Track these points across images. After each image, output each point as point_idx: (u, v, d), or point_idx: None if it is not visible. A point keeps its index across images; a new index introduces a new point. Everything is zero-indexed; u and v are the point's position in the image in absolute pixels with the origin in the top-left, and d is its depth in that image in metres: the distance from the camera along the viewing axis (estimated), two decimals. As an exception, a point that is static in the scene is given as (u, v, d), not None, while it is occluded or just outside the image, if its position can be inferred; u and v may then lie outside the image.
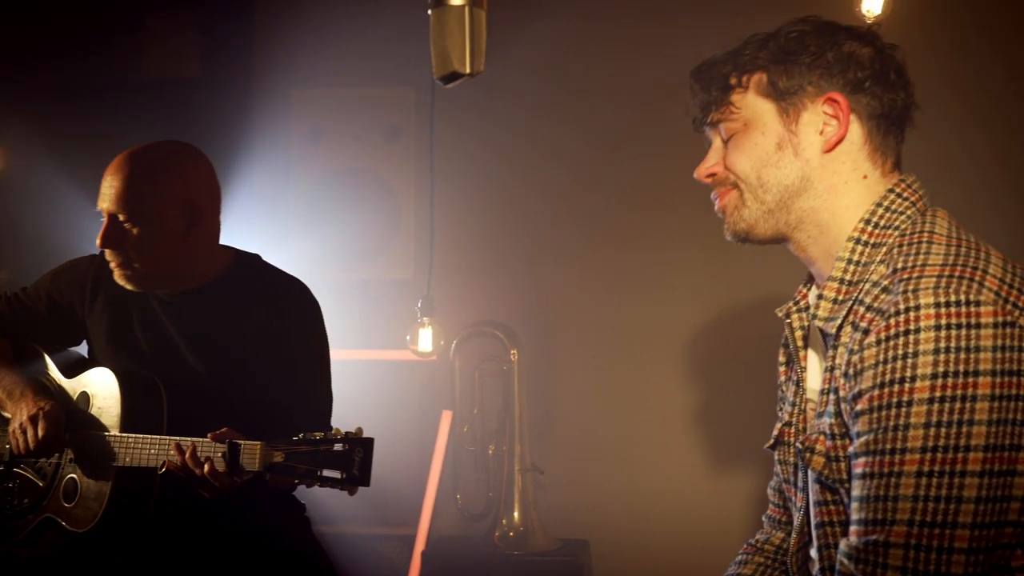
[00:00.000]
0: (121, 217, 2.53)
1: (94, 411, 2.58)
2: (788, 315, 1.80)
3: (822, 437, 1.61)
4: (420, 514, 4.01)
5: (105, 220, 2.55)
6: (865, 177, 1.68)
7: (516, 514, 3.91)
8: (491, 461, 4.01)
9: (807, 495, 1.73)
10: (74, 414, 2.60)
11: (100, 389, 2.59)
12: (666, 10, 3.97)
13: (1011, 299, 1.47)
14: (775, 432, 1.84)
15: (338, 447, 2.24)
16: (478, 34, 1.48)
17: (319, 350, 2.71)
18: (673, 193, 3.99)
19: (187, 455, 2.33)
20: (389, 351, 4.08)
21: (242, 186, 4.10)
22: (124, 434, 2.50)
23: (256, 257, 2.77)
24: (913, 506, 1.43)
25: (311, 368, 2.68)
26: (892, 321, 1.47)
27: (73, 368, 2.69)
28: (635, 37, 4.02)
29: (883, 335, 1.47)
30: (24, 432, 2.50)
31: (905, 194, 1.66)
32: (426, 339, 3.63)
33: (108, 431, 2.54)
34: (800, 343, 1.78)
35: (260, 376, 2.60)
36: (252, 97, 4.38)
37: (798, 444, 1.69)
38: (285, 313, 2.66)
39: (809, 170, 1.67)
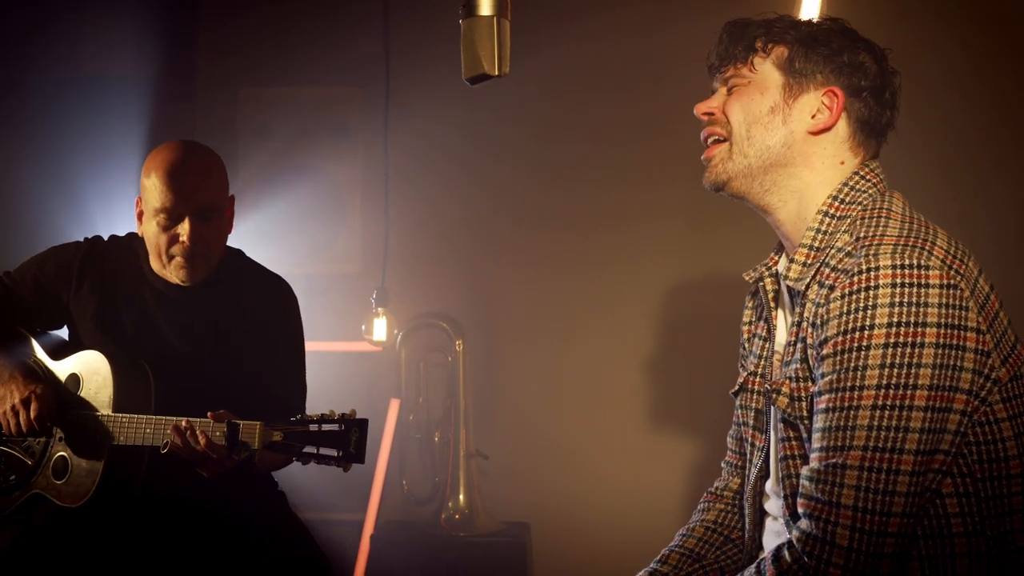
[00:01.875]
0: (206, 213, 2.67)
1: (85, 392, 2.69)
2: (761, 278, 2.04)
3: (788, 381, 1.85)
4: (368, 499, 4.15)
5: (189, 217, 2.65)
6: (843, 163, 1.92)
7: (461, 498, 4.07)
8: (437, 448, 4.17)
9: (768, 435, 1.98)
10: (64, 395, 2.70)
11: (91, 371, 2.69)
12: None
13: (954, 267, 1.73)
14: (740, 380, 2.08)
15: (333, 427, 2.40)
16: (504, 41, 1.67)
17: (298, 342, 2.88)
18: (617, 186, 4.19)
19: (188, 435, 2.45)
20: (338, 342, 4.20)
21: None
22: (119, 414, 2.61)
23: (240, 252, 2.92)
24: (868, 434, 1.68)
25: (291, 359, 2.84)
26: (855, 279, 1.72)
27: (59, 351, 2.78)
28: (576, 33, 4.19)
29: (847, 290, 1.72)
30: (16, 414, 2.60)
31: (868, 176, 1.91)
32: (381, 329, 3.79)
33: (100, 411, 2.65)
34: (772, 303, 2.02)
35: (244, 364, 2.75)
36: (199, 95, 4.46)
37: (767, 386, 1.94)
38: (268, 307, 2.82)
39: (792, 140, 1.90)
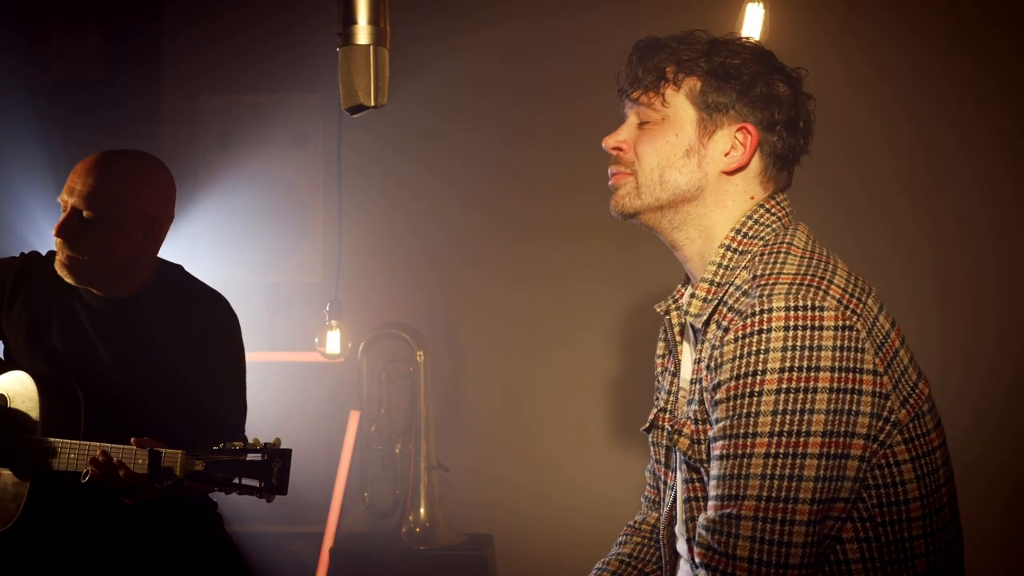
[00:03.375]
0: (86, 213, 2.59)
1: (12, 413, 2.64)
2: (667, 311, 1.97)
3: (688, 421, 1.79)
4: (328, 512, 4.11)
5: (67, 211, 2.61)
6: (752, 198, 1.85)
7: (422, 510, 4.04)
8: (398, 460, 4.12)
9: (676, 474, 1.91)
10: (-9, 417, 2.66)
11: (18, 393, 2.65)
12: (566, 10, 4.14)
13: (851, 306, 1.67)
14: (650, 417, 2.01)
15: (257, 457, 2.35)
16: (382, 70, 1.63)
17: (236, 362, 2.81)
18: (576, 194, 4.15)
19: (110, 461, 2.41)
20: (298, 353, 4.16)
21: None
22: (44, 438, 2.56)
23: (179, 268, 2.86)
24: (761, 483, 1.62)
25: (228, 379, 2.78)
26: (748, 321, 1.65)
27: (-12, 371, 2.75)
28: (534, 39, 4.17)
29: (740, 333, 1.66)
30: None
31: (773, 210, 1.83)
32: (334, 341, 3.75)
33: (27, 434, 2.60)
34: (678, 337, 1.95)
35: (178, 385, 2.68)
36: (160, 101, 4.42)
37: (668, 427, 1.88)
38: (205, 325, 2.75)
39: (705, 183, 1.83)
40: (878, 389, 1.64)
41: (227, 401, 2.76)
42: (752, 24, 2.88)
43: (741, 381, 1.64)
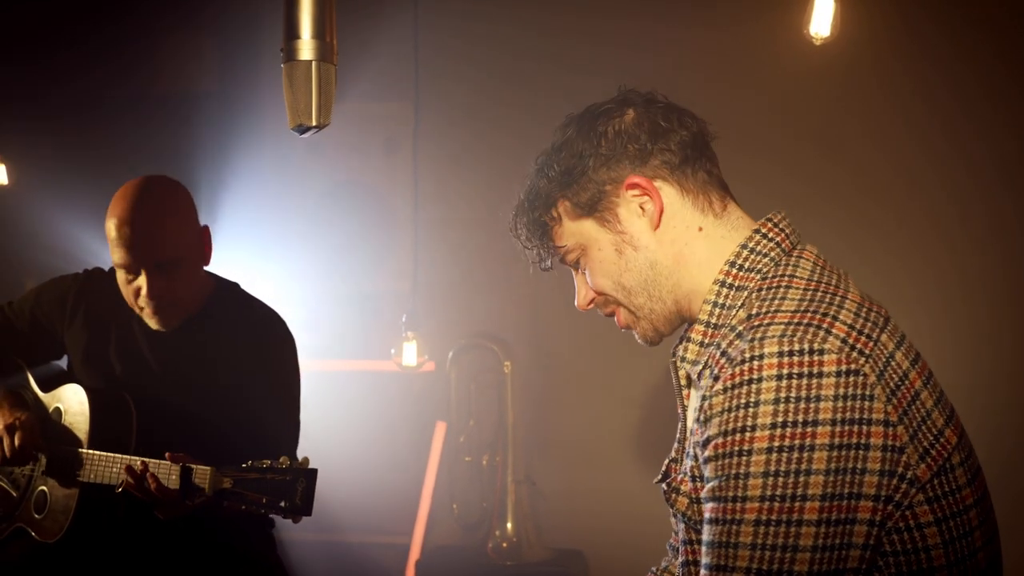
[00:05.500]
0: (166, 264, 2.58)
1: (65, 426, 2.67)
2: (674, 353, 1.77)
3: (686, 478, 1.62)
4: (415, 523, 4.09)
5: (146, 273, 2.57)
6: (701, 229, 1.67)
7: (509, 525, 3.96)
8: (485, 472, 4.07)
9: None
10: (48, 427, 2.69)
11: (71, 405, 2.67)
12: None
13: (858, 346, 1.47)
14: (663, 468, 1.82)
15: (284, 476, 2.32)
16: (326, 87, 1.55)
17: (289, 382, 2.78)
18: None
19: (142, 476, 2.41)
20: (386, 362, 4.13)
21: (245, 197, 4.21)
22: (90, 451, 2.58)
23: (236, 286, 2.85)
24: (751, 554, 1.43)
25: (280, 399, 2.75)
26: (737, 369, 1.46)
27: (51, 382, 2.77)
28: (622, 32, 4.06)
29: (729, 383, 1.47)
30: (0, 441, 2.62)
31: (771, 234, 1.65)
32: (410, 353, 3.70)
33: (77, 446, 2.62)
34: (684, 381, 1.75)
35: (231, 404, 2.68)
36: (259, 110, 4.47)
37: (664, 485, 1.71)
38: (260, 346, 2.74)
39: (651, 254, 1.68)
40: (889, 442, 1.43)
41: (278, 421, 2.73)
42: (821, 18, 2.69)
43: (730, 438, 1.45)
